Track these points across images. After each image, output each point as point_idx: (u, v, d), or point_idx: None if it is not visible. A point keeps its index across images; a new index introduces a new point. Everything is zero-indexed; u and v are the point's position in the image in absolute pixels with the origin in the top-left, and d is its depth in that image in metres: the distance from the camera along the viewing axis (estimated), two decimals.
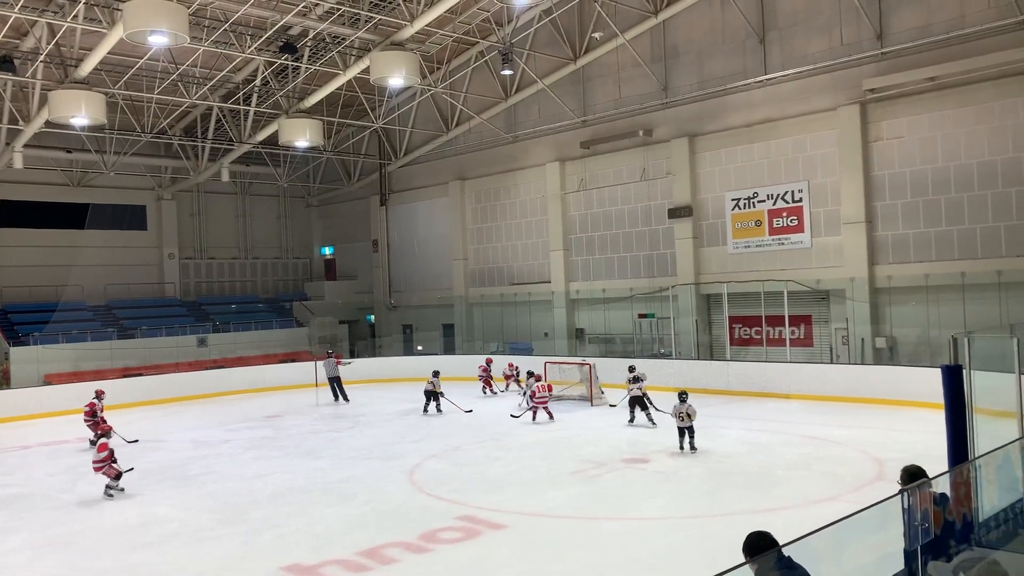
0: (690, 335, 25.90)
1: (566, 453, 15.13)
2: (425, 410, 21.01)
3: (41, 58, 23.23)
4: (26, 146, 28.03)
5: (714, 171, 25.91)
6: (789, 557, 4.45)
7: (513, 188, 32.21)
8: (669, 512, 11.14)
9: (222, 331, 33.18)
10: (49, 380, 26.70)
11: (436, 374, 21.68)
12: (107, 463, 13.33)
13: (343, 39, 25.23)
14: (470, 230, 33.97)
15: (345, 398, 24.21)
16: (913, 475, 5.96)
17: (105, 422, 17.36)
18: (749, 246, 25.05)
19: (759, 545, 4.57)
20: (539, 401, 19.04)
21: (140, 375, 27.28)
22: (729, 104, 25.38)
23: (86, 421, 17.95)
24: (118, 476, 13.31)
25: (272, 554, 9.73)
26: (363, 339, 37.12)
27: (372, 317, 38.33)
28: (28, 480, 14.81)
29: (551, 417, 18.96)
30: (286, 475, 14.24)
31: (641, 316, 27.62)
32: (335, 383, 24.49)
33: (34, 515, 12.15)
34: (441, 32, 27.07)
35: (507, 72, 29.18)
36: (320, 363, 25.10)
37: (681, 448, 14.85)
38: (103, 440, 13.68)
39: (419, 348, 33.78)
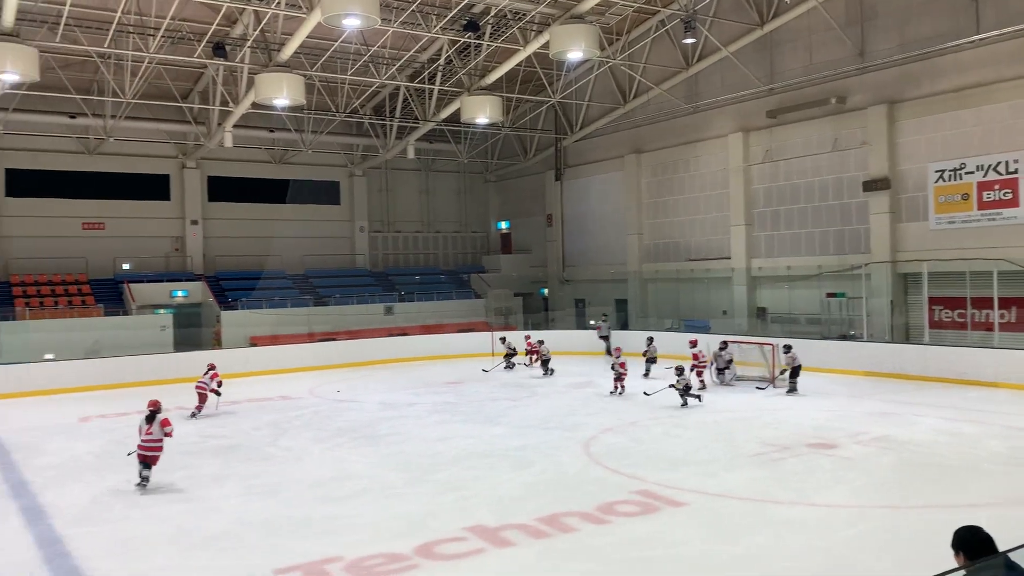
0: (884, 317, 24.30)
1: (746, 435, 14.69)
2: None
3: (248, 44, 25.07)
4: (235, 126, 30.44)
5: (916, 140, 24.03)
6: (1007, 555, 4.10)
7: (692, 160, 31.40)
8: (856, 501, 10.56)
9: (407, 301, 34.78)
10: (254, 342, 29.06)
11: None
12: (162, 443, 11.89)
13: (524, 14, 25.44)
14: (646, 204, 33.49)
15: (608, 352, 26.70)
16: None
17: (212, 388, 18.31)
18: (954, 222, 23.10)
19: (973, 541, 4.22)
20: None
21: (333, 340, 29.16)
22: (935, 67, 23.40)
23: (200, 391, 18.32)
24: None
25: (455, 514, 10.13)
26: (536, 312, 37.68)
27: (545, 290, 38.81)
28: (236, 433, 16.21)
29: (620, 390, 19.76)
30: (467, 440, 14.76)
31: (830, 295, 26.21)
32: (606, 341, 27.96)
33: (242, 465, 13.30)
34: (621, 3, 26.66)
35: (689, 41, 28.37)
36: (494, 334, 26.55)
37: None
38: (165, 416, 12.08)
39: (592, 323, 33.85)
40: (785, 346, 19.47)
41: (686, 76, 30.55)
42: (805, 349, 20.77)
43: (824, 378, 21.32)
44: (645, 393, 18.74)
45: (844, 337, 24.77)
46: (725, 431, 15.14)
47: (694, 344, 21.09)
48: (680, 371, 17.99)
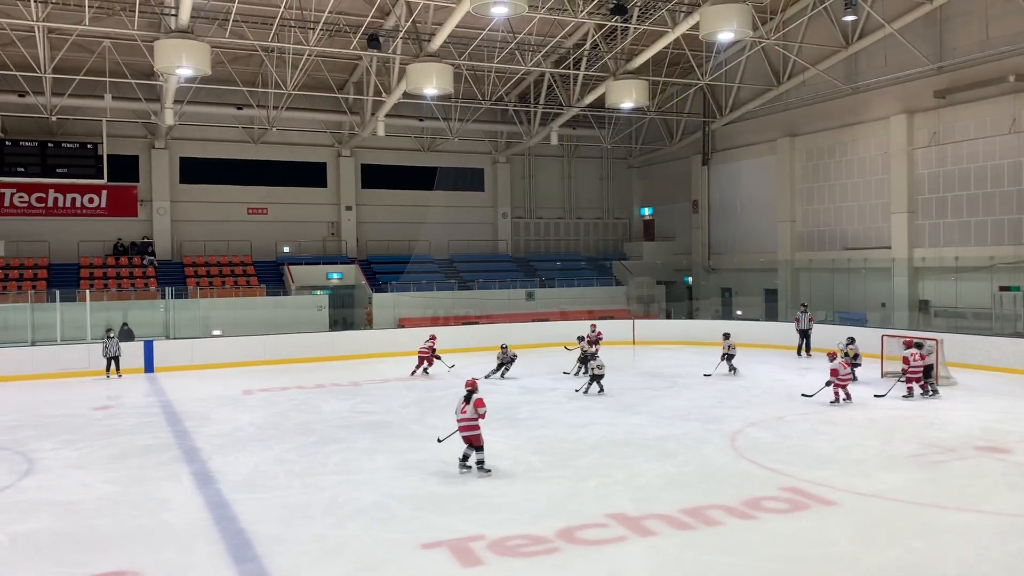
0: None
1: (904, 434, 13.86)
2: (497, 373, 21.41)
3: (401, 35, 25.85)
4: (387, 116, 31.52)
5: None
6: None
7: (850, 144, 29.81)
8: None
9: (547, 286, 35.01)
10: (402, 323, 30.10)
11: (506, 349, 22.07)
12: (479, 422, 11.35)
13: None
14: (799, 190, 32.12)
15: (808, 351, 24.80)
16: None
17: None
18: None
19: None
20: (842, 380, 16.74)
21: (476, 323, 29.78)
22: None
23: (423, 355, 21.93)
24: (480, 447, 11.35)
25: (596, 501, 10.13)
26: (680, 301, 37.00)
27: (689, 279, 38.01)
28: (387, 410, 16.85)
29: (848, 398, 16.79)
30: (607, 427, 14.71)
31: (1003, 289, 24.26)
32: (805, 336, 25.06)
33: (392, 440, 13.81)
34: None
35: (849, 18, 26.90)
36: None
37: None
38: (478, 396, 11.40)
39: (738, 313, 32.87)
40: (916, 343, 17.45)
41: (845, 55, 28.97)
42: (973, 345, 19.44)
43: (995, 377, 19.82)
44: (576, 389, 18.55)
45: (1019, 334, 22.90)
46: (880, 429, 14.34)
47: (909, 345, 17.98)
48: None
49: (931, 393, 17.33)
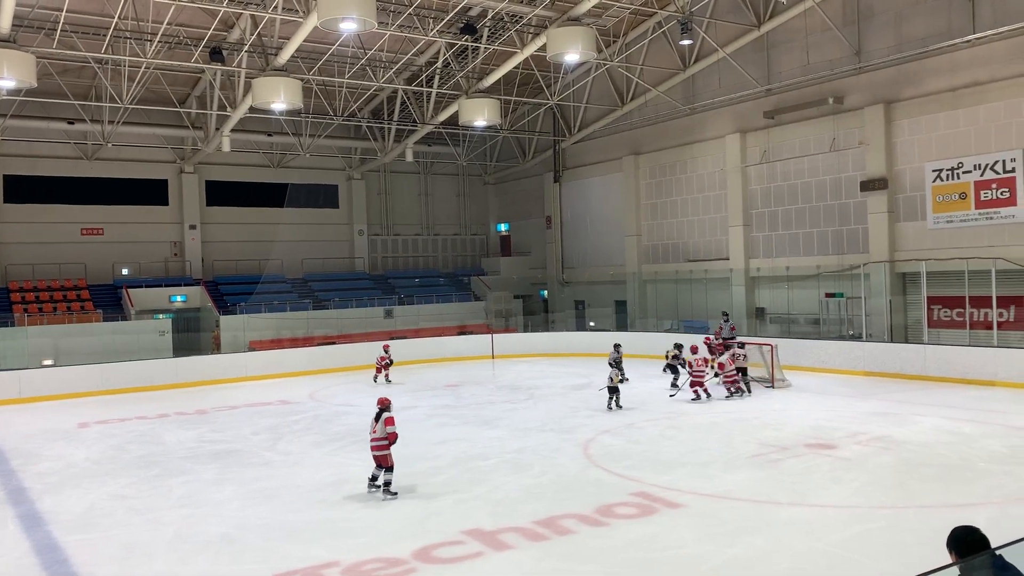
0: (882, 316, 24.33)
1: (744, 436, 14.68)
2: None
3: (245, 48, 25.09)
4: (233, 131, 30.46)
5: (913, 140, 24.06)
6: (1001, 556, 4.10)
7: (690, 162, 31.42)
8: (855, 501, 10.56)
9: (406, 303, 34.79)
10: (253, 347, 29.02)
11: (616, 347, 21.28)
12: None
13: (520, 17, 25.48)
14: (644, 206, 33.52)
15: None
16: None
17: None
18: (952, 221, 23.12)
19: (968, 541, 4.21)
20: (696, 376, 18.50)
21: (333, 344, 29.15)
22: (931, 67, 23.43)
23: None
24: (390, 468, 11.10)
25: (453, 517, 10.12)
26: (536, 314, 37.71)
27: (545, 292, 38.83)
28: (236, 437, 16.18)
29: (708, 396, 18.41)
30: (465, 443, 14.75)
31: (828, 295, 26.25)
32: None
33: (241, 469, 13.27)
34: (618, 5, 26.69)
35: (686, 42, 28.38)
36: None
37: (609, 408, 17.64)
38: (389, 415, 11.29)
39: (591, 324, 33.85)
40: (676, 345, 19.95)
41: (683, 78, 30.58)
42: (804, 349, 20.83)
43: (823, 378, 21.35)
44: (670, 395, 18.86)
45: (843, 337, 24.80)
46: (723, 432, 15.13)
47: (719, 349, 20.17)
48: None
49: (745, 393, 18.93)
